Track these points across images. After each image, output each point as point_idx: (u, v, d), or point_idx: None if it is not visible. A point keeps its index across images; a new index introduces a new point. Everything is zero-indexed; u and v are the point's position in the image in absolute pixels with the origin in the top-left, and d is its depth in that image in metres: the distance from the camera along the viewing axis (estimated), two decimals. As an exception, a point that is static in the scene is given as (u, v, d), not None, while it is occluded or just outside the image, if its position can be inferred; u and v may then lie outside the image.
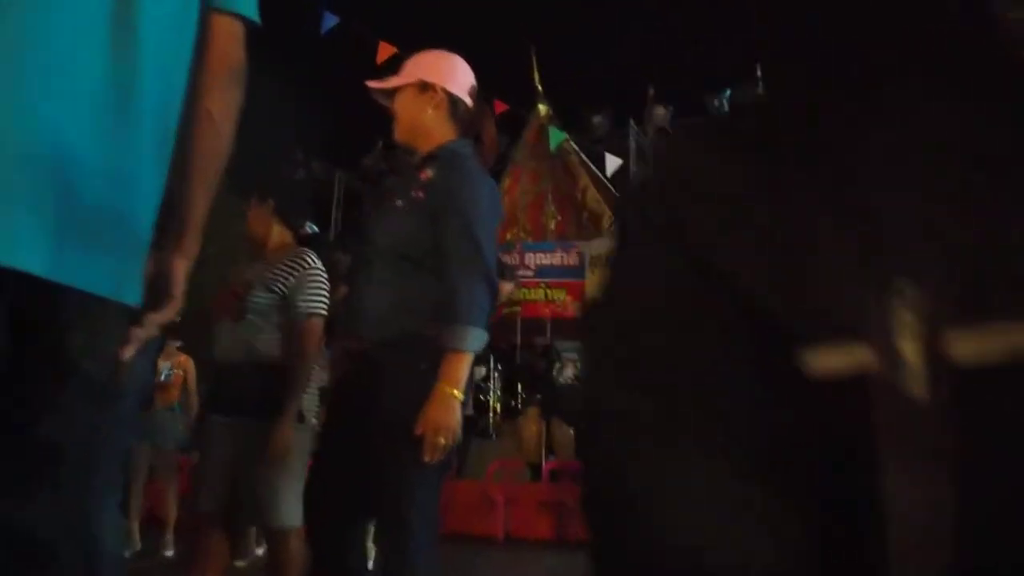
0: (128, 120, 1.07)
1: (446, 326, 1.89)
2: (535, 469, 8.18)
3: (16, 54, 0.98)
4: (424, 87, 2.12)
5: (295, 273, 2.77)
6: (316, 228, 3.33)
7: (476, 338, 1.89)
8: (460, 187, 1.99)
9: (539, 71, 13.82)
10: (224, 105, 1.25)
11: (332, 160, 13.79)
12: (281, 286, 2.75)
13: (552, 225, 13.64)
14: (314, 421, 2.89)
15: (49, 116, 1.00)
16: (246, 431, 2.64)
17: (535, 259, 11.29)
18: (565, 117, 14.03)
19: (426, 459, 1.82)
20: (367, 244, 2.09)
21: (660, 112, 12.74)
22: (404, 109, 2.12)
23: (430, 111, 2.11)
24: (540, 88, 14.05)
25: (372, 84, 2.16)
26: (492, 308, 1.99)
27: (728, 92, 12.39)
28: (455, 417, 1.85)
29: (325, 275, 2.86)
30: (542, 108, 14.09)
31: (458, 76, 2.17)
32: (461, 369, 1.87)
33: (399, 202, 2.04)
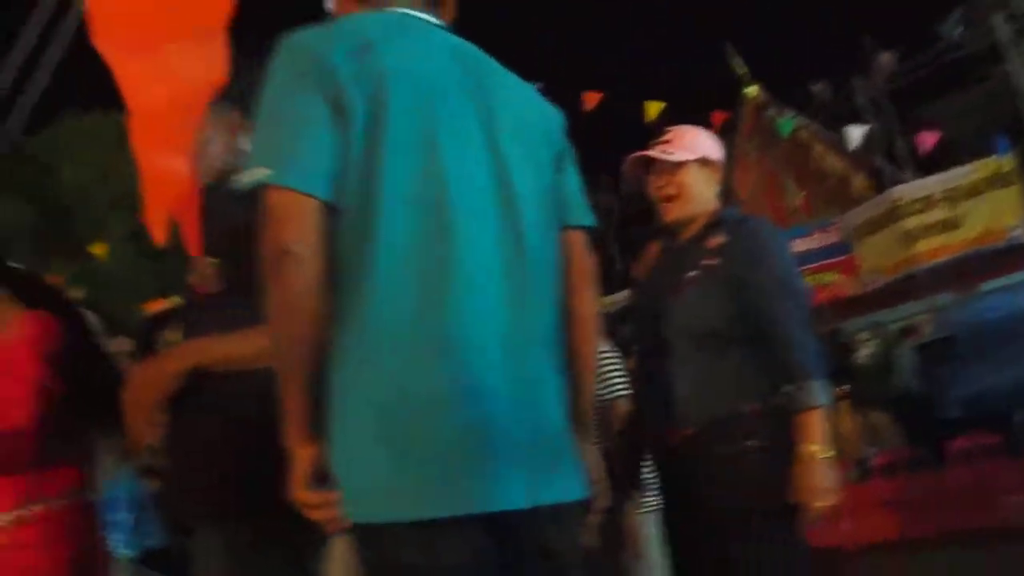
0: (529, 340, 1.20)
1: (789, 387, 1.82)
2: (861, 465, 7.63)
3: (440, 318, 1.11)
4: (706, 163, 2.14)
5: None
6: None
7: (825, 390, 1.82)
8: (763, 247, 1.97)
9: (739, 56, 13.29)
10: (591, 306, 1.37)
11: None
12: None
13: (797, 203, 12.92)
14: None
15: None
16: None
17: (793, 247, 10.65)
18: (781, 94, 13.37)
19: (800, 530, 1.76)
20: (660, 323, 2.04)
21: (886, 58, 11.72)
22: (691, 185, 2.12)
23: (714, 187, 2.14)
24: (741, 72, 13.48)
25: (654, 154, 2.12)
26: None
27: (957, 14, 11.16)
28: (828, 477, 1.77)
29: (614, 353, 2.88)
30: (751, 90, 13.49)
31: (719, 150, 2.18)
32: (821, 425, 1.80)
33: (691, 273, 2.00)
